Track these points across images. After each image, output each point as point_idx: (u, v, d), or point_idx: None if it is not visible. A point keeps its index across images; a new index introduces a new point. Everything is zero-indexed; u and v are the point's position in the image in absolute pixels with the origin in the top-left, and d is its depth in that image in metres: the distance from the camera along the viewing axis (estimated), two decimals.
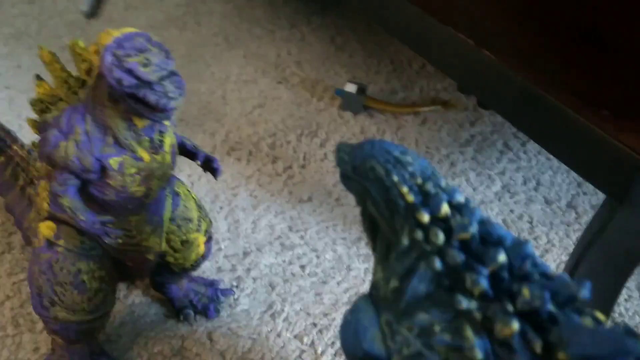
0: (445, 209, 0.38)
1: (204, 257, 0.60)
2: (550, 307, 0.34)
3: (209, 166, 0.55)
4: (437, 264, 0.38)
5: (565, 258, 0.74)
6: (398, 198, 0.40)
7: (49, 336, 0.59)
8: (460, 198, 0.39)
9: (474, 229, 0.38)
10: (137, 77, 0.41)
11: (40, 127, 0.52)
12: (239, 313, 0.67)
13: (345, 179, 0.44)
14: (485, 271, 0.37)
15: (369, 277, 0.70)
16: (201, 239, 0.58)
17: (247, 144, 0.88)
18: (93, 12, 1.13)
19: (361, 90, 0.95)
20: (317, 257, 0.73)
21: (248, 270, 0.71)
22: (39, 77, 0.53)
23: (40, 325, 0.63)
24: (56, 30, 1.08)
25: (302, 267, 0.72)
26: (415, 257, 0.39)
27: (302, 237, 0.76)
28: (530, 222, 0.79)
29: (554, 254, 0.75)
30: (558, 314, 0.34)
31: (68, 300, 0.52)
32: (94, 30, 1.09)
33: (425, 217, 0.38)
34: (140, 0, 1.17)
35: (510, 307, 0.35)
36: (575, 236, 0.77)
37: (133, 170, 0.47)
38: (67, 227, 0.52)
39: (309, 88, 1.00)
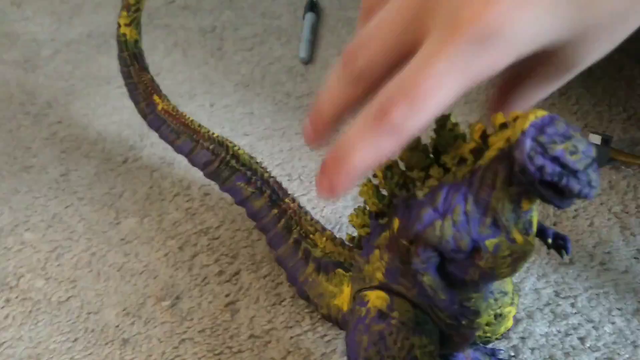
0: None
1: (509, 330, 0.57)
2: None
3: (558, 244, 0.52)
4: None
5: None
6: None
7: None
8: None
9: None
10: (564, 165, 0.39)
11: (401, 201, 0.51)
12: None
13: None
14: None
15: None
16: (513, 312, 0.56)
17: None
18: (310, 58, 1.16)
19: (605, 141, 0.89)
20: (595, 328, 0.68)
21: (523, 339, 0.68)
22: None
23: None
24: (278, 76, 1.12)
25: (581, 339, 0.67)
26: None
27: (573, 305, 0.71)
28: None
29: None
30: None
31: None
32: (312, 75, 1.12)
33: None
34: None
35: None
36: None
37: (506, 253, 0.45)
38: (400, 299, 0.51)
39: None
